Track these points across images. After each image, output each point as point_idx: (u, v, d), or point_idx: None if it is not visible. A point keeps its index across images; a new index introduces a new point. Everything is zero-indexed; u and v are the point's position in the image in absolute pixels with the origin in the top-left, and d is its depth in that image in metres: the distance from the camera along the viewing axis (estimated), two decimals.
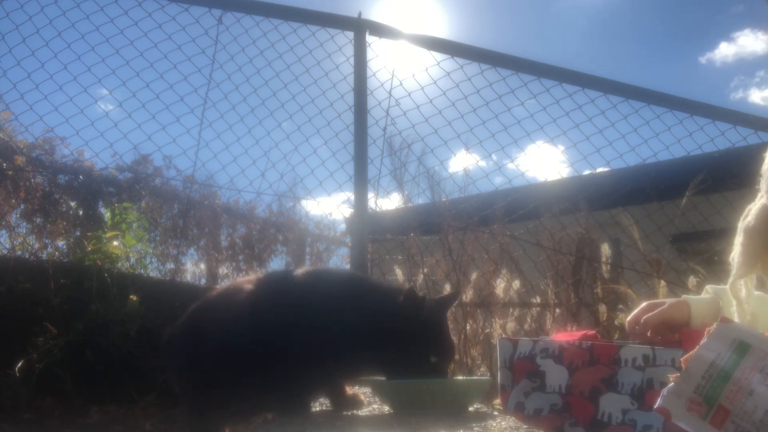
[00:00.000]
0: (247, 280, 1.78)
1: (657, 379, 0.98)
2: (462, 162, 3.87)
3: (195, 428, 1.77)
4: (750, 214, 1.19)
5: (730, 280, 1.22)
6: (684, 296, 1.41)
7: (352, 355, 1.60)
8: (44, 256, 3.53)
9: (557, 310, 3.36)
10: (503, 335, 3.05)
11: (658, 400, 0.79)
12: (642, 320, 1.34)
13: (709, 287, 1.45)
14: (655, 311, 1.34)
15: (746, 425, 0.73)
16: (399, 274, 3.53)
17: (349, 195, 3.39)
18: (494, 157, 3.68)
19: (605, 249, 3.39)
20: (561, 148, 3.78)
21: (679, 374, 0.79)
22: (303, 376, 1.59)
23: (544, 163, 5.32)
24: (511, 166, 3.77)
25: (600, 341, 1.08)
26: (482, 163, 3.82)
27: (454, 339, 3.23)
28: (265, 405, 1.70)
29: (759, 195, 1.22)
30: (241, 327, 1.61)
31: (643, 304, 1.40)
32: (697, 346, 0.79)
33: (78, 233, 3.83)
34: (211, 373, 1.63)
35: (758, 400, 0.73)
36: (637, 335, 1.34)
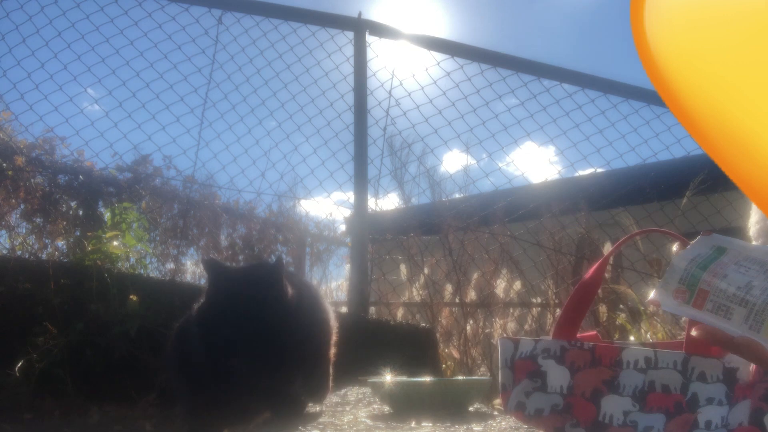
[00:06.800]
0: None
1: (659, 381, 0.98)
2: (458, 161, 3.88)
3: (192, 430, 1.77)
4: (762, 217, 1.09)
5: None
6: None
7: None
8: (44, 256, 3.53)
9: (558, 310, 3.36)
10: (504, 335, 3.05)
11: (650, 294, 0.90)
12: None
13: None
14: None
15: (722, 300, 0.84)
16: (400, 273, 3.53)
17: (349, 195, 3.40)
18: (494, 157, 3.69)
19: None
20: (561, 148, 3.78)
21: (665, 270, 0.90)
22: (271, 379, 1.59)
23: (544, 163, 5.32)
24: (508, 167, 3.78)
25: (601, 342, 1.08)
26: (480, 164, 3.83)
27: (455, 339, 3.24)
28: (256, 405, 1.70)
29: None
30: (212, 328, 1.60)
31: None
32: (682, 250, 0.92)
33: (78, 233, 3.82)
34: (196, 374, 1.63)
35: (731, 281, 0.84)
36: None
